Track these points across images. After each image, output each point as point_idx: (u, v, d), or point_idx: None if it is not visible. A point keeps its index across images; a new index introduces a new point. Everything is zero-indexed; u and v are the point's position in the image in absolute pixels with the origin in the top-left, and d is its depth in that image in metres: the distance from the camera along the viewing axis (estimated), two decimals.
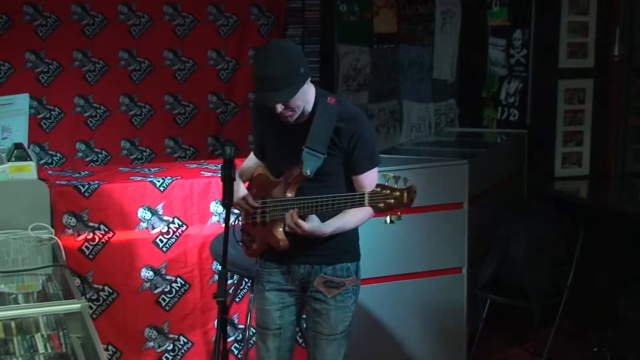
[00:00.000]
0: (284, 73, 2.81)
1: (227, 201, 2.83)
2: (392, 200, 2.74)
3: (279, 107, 2.87)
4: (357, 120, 3.00)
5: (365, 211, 2.97)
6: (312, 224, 2.92)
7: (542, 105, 5.42)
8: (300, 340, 3.67)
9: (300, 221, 2.89)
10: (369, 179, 3.01)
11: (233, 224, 3.01)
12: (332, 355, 3.13)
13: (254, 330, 3.93)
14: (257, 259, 3.21)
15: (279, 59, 2.82)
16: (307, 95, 2.92)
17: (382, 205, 2.76)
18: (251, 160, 3.24)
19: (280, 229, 3.01)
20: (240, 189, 3.10)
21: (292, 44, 3.03)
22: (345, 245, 3.11)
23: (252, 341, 4.03)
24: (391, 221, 2.78)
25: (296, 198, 2.95)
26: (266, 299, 3.14)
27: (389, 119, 6.37)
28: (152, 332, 4.05)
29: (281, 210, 2.98)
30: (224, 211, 2.86)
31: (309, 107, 2.95)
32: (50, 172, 4.30)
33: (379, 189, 2.77)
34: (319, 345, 3.13)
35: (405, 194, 2.74)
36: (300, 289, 3.13)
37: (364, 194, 2.81)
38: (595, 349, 4.49)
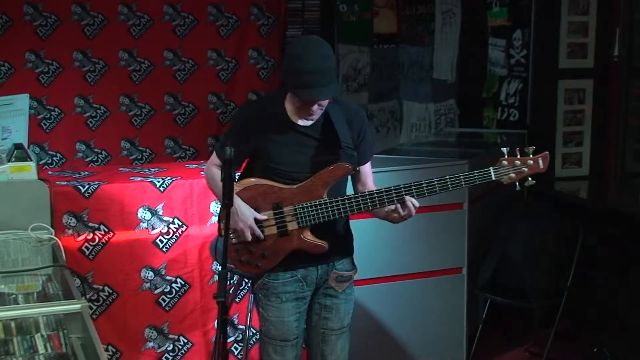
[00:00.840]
0: (332, 67, 2.82)
1: (227, 201, 2.80)
2: (525, 169, 2.88)
3: (316, 105, 2.85)
4: (360, 114, 3.08)
5: None
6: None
7: (542, 105, 5.41)
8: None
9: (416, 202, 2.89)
10: (369, 167, 3.11)
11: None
12: (342, 348, 3.16)
13: (254, 331, 3.95)
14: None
15: (325, 53, 2.81)
16: None
17: (513, 175, 2.88)
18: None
19: (309, 233, 2.95)
20: (245, 211, 2.92)
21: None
22: (347, 235, 3.13)
23: (252, 341, 4.03)
24: (520, 188, 2.92)
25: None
26: (284, 310, 3.06)
27: (389, 119, 6.38)
28: (152, 333, 4.05)
29: (318, 214, 2.91)
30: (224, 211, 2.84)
31: None
32: (50, 172, 4.30)
33: (506, 163, 2.88)
34: (329, 341, 3.13)
35: (541, 161, 2.89)
36: (312, 292, 3.11)
37: (489, 169, 2.88)
38: (595, 350, 4.48)
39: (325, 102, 2.88)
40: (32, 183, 3.57)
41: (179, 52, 5.91)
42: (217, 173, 2.88)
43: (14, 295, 2.78)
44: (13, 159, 3.64)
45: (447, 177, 2.88)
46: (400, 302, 4.36)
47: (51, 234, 3.44)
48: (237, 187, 2.92)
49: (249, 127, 2.98)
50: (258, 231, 2.94)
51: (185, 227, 4.03)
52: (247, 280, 3.90)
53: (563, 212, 4.69)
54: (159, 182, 3.98)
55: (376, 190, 2.93)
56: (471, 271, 4.51)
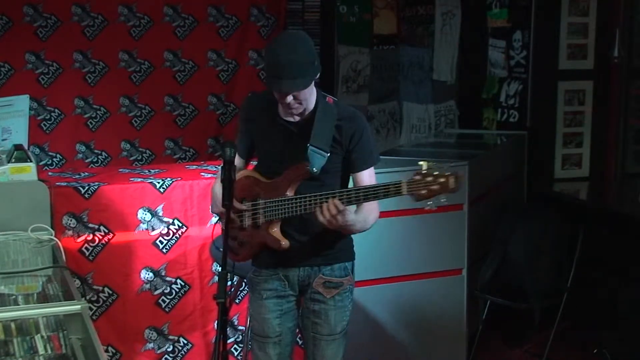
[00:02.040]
0: (302, 62, 2.81)
1: (228, 202, 2.83)
2: (436, 187, 2.73)
3: (289, 98, 2.86)
4: (358, 119, 3.03)
5: (376, 211, 3.01)
6: (352, 215, 2.87)
7: (542, 106, 5.42)
8: (300, 342, 3.67)
9: (346, 211, 2.82)
10: (368, 176, 3.03)
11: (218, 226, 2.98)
12: (332, 355, 3.13)
13: None
14: (251, 267, 3.17)
15: (297, 47, 2.83)
16: (312, 91, 2.94)
17: (424, 191, 2.74)
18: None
19: (276, 229, 2.99)
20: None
21: (308, 36, 2.98)
22: (342, 244, 3.10)
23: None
24: (433, 206, 2.77)
25: (310, 195, 2.88)
26: (264, 307, 3.11)
27: (389, 120, 6.38)
28: (152, 334, 4.05)
29: (279, 210, 2.95)
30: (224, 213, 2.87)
31: (311, 105, 2.96)
32: (50, 173, 4.30)
33: (419, 177, 2.74)
34: (319, 346, 3.13)
35: (452, 180, 2.73)
36: (298, 293, 3.13)
37: (400, 183, 2.76)
38: (595, 350, 4.49)
39: (302, 96, 2.87)
40: (32, 184, 3.57)
41: (179, 53, 5.91)
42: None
43: (14, 296, 2.78)
44: (13, 160, 3.64)
45: (369, 188, 2.84)
46: (400, 303, 4.36)
47: (51, 235, 3.44)
48: (237, 175, 3.01)
49: (246, 121, 3.12)
50: (238, 204, 3.01)
51: (185, 228, 4.03)
52: (247, 281, 3.90)
53: (563, 213, 4.69)
54: (159, 183, 3.98)
55: (327, 193, 2.87)
56: (471, 272, 4.51)
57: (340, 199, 2.82)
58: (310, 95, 2.93)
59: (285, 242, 2.98)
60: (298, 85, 2.83)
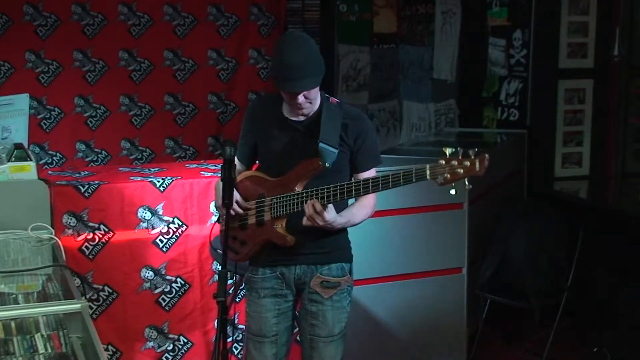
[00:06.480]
0: (311, 61, 2.85)
1: (227, 201, 2.83)
2: (460, 170, 2.69)
3: (301, 98, 2.88)
4: (362, 119, 3.06)
5: (370, 207, 3.03)
6: (332, 214, 2.89)
7: (542, 105, 5.41)
8: (299, 339, 3.67)
9: (324, 211, 2.84)
10: (368, 176, 3.01)
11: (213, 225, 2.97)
12: (331, 357, 3.12)
13: None
14: (248, 266, 3.18)
15: (304, 47, 2.86)
16: (318, 90, 2.96)
17: (447, 175, 2.69)
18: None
19: (282, 225, 3.00)
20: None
21: (309, 36, 3.01)
22: (340, 244, 3.11)
23: None
24: (457, 192, 2.72)
25: (321, 187, 2.88)
26: (262, 305, 3.11)
27: (389, 119, 6.38)
28: (152, 332, 4.05)
29: (288, 205, 2.95)
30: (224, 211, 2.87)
31: (317, 104, 2.99)
32: (50, 172, 4.30)
33: (442, 162, 2.72)
34: (317, 348, 3.12)
35: (477, 163, 2.68)
36: (295, 292, 3.12)
37: (424, 167, 2.73)
38: (595, 349, 4.48)
39: (312, 95, 2.90)
40: (32, 183, 3.57)
41: (179, 52, 5.91)
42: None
43: (14, 295, 2.78)
44: (13, 159, 3.64)
45: (390, 175, 2.80)
46: (400, 302, 4.36)
47: (51, 234, 3.44)
48: (238, 177, 3.08)
49: (250, 123, 3.13)
50: (244, 202, 3.04)
51: (185, 227, 4.03)
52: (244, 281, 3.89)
53: (563, 212, 4.69)
54: (158, 181, 3.98)
55: (342, 183, 2.89)
56: (471, 271, 4.51)
57: (365, 188, 2.84)
58: (317, 94, 2.96)
59: (291, 238, 2.99)
60: (309, 84, 2.86)
